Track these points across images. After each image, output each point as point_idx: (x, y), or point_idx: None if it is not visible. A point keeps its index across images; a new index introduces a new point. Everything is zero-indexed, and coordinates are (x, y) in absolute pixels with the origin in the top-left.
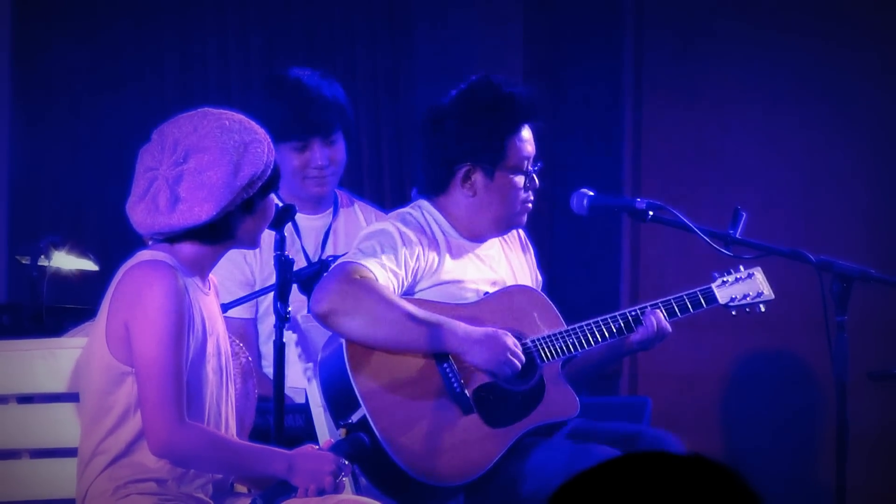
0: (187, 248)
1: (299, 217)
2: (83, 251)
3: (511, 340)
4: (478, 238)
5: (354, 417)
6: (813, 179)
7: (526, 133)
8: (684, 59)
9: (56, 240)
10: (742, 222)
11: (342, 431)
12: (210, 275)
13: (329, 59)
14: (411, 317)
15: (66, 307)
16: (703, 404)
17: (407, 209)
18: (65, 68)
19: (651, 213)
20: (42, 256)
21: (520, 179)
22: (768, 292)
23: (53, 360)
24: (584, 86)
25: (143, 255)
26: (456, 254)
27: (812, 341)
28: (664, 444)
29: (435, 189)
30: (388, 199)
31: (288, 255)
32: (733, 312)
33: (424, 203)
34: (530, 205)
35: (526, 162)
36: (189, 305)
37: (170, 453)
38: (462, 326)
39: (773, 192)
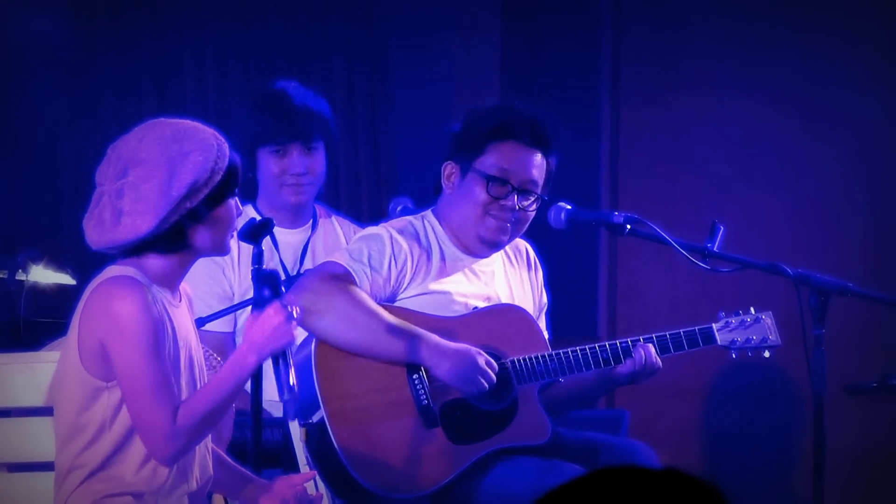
0: (153, 261)
1: (278, 231)
2: (60, 265)
3: (483, 360)
4: (473, 253)
5: (314, 418)
6: (793, 191)
7: (522, 152)
8: (662, 69)
9: (33, 254)
10: (720, 235)
11: (302, 431)
12: (183, 286)
13: (305, 70)
14: (383, 323)
15: (44, 321)
16: (681, 417)
17: (411, 217)
18: (41, 81)
19: (629, 226)
20: (19, 271)
21: (488, 186)
22: (775, 338)
23: (31, 374)
24: (561, 97)
25: (111, 270)
26: (450, 266)
27: (789, 355)
28: (633, 454)
29: (435, 188)
30: (365, 212)
31: (265, 269)
32: (734, 356)
33: (429, 214)
34: (509, 224)
35: (506, 174)
36: (160, 318)
37: (175, 458)
38: (434, 339)
39: (752, 203)
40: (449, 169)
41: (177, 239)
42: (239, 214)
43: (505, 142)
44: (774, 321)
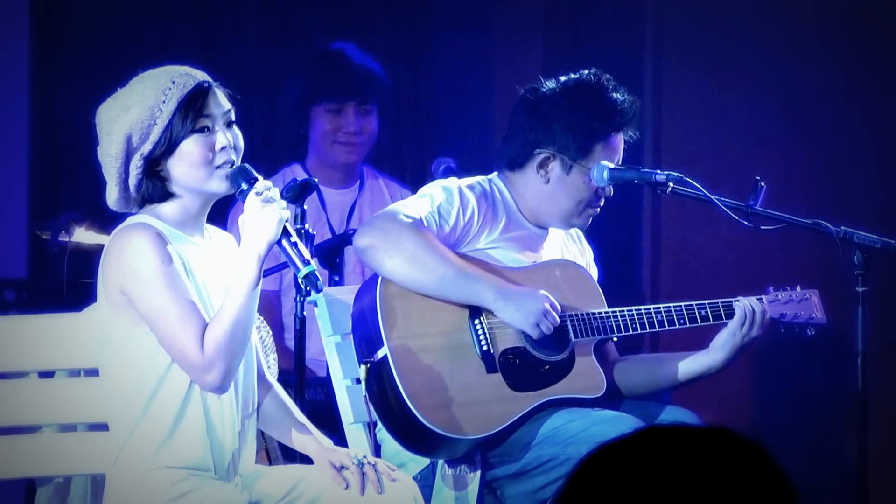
0: (162, 208)
1: (326, 191)
2: (103, 227)
3: (549, 303)
4: (538, 224)
5: (377, 355)
6: (834, 150)
7: (616, 141)
8: (704, 30)
9: (76, 216)
10: (762, 194)
11: (363, 368)
12: (228, 234)
13: (347, 32)
14: (450, 264)
15: (87, 282)
16: (724, 377)
17: (478, 178)
18: (84, 47)
19: (671, 184)
20: (62, 232)
21: (597, 188)
22: (821, 316)
23: (75, 334)
24: (604, 59)
25: (127, 220)
26: (512, 229)
27: (833, 312)
28: (680, 421)
29: (512, 164)
30: (408, 173)
31: (308, 229)
32: (781, 329)
33: (496, 178)
34: (598, 210)
35: None
36: (173, 255)
37: (222, 385)
38: (500, 281)
39: (795, 163)
40: (546, 159)
41: (157, 187)
42: (224, 147)
43: (608, 137)
44: (820, 299)
